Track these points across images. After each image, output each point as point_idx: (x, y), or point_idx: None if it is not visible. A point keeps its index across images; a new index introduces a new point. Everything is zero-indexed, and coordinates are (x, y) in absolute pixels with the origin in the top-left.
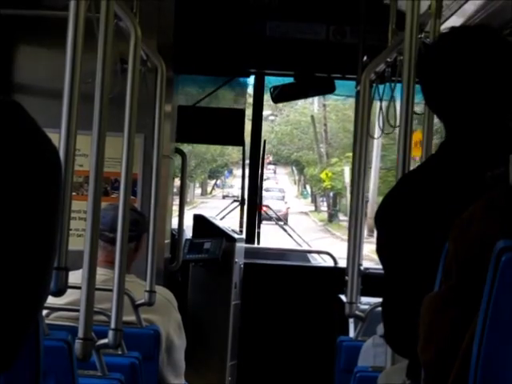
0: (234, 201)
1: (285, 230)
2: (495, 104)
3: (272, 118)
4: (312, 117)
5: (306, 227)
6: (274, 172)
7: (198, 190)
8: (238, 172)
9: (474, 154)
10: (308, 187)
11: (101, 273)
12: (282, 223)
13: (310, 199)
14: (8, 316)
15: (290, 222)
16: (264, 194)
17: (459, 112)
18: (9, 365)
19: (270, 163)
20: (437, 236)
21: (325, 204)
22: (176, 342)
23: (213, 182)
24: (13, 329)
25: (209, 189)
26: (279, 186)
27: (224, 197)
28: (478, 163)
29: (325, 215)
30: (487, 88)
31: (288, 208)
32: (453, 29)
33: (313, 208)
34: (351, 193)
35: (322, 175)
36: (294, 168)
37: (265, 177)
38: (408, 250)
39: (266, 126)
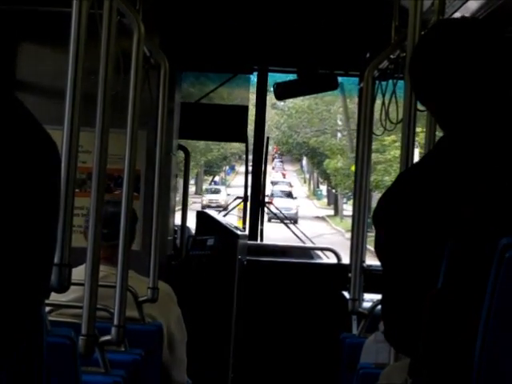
0: (237, 197)
1: (295, 235)
2: (489, 98)
3: (281, 103)
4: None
5: (328, 240)
6: (282, 162)
7: (193, 188)
8: (241, 169)
9: (471, 150)
10: (323, 186)
11: (100, 269)
12: (290, 222)
13: (325, 201)
14: (8, 308)
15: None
16: (271, 187)
17: (453, 109)
18: (7, 355)
19: (276, 152)
20: (435, 233)
21: (347, 206)
22: (177, 336)
23: (210, 178)
24: (12, 321)
25: (205, 186)
26: (286, 179)
27: (204, 207)
28: (475, 160)
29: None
30: (478, 81)
31: (297, 206)
32: (439, 22)
33: (331, 212)
34: (354, 190)
35: (354, 167)
36: (304, 164)
37: (272, 166)
38: (406, 249)
39: (273, 113)
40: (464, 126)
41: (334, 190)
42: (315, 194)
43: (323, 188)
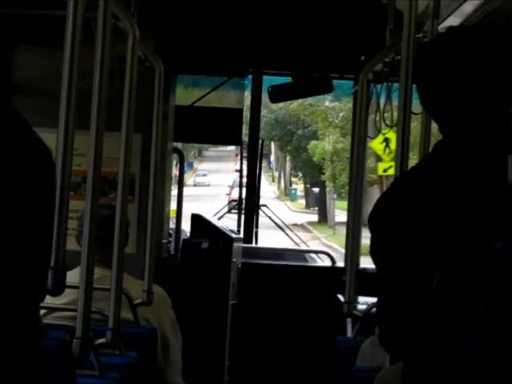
0: (232, 201)
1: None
2: (493, 105)
3: None
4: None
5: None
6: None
7: None
8: (202, 166)
9: (469, 155)
10: (295, 185)
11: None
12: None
13: (301, 202)
14: (4, 311)
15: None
16: (234, 176)
17: (455, 113)
18: (3, 357)
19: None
20: (431, 237)
21: (332, 209)
22: (171, 339)
23: None
24: (8, 323)
25: None
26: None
27: None
28: (473, 164)
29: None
30: (484, 88)
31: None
32: (450, 29)
33: (313, 217)
34: (349, 192)
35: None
36: (271, 160)
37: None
38: (402, 253)
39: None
40: (469, 131)
41: (315, 189)
42: (289, 193)
43: (298, 187)
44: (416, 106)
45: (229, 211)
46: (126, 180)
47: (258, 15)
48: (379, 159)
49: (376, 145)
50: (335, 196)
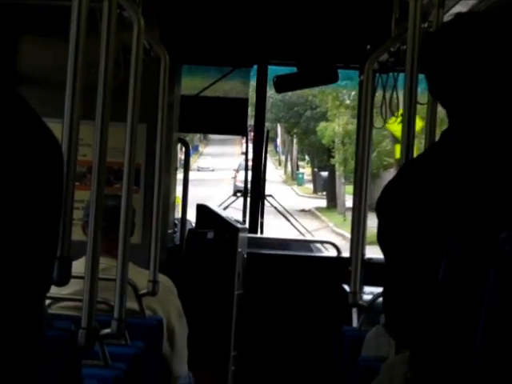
0: (238, 191)
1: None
2: (500, 93)
3: None
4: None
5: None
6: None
7: None
8: (207, 150)
9: (476, 143)
10: (304, 169)
11: (100, 261)
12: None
13: (309, 187)
14: (11, 301)
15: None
16: (240, 160)
17: (463, 100)
18: (9, 347)
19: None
20: (438, 225)
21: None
22: (177, 329)
23: None
24: (15, 313)
25: None
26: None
27: None
28: (480, 152)
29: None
30: (493, 76)
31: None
32: (458, 15)
33: (321, 202)
34: (354, 179)
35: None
36: (278, 143)
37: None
38: (409, 240)
39: None
40: (478, 122)
41: (323, 173)
42: (296, 177)
43: (305, 171)
44: (422, 96)
45: (234, 195)
46: (131, 170)
47: (263, 5)
48: (397, 141)
49: (393, 126)
50: (343, 180)
